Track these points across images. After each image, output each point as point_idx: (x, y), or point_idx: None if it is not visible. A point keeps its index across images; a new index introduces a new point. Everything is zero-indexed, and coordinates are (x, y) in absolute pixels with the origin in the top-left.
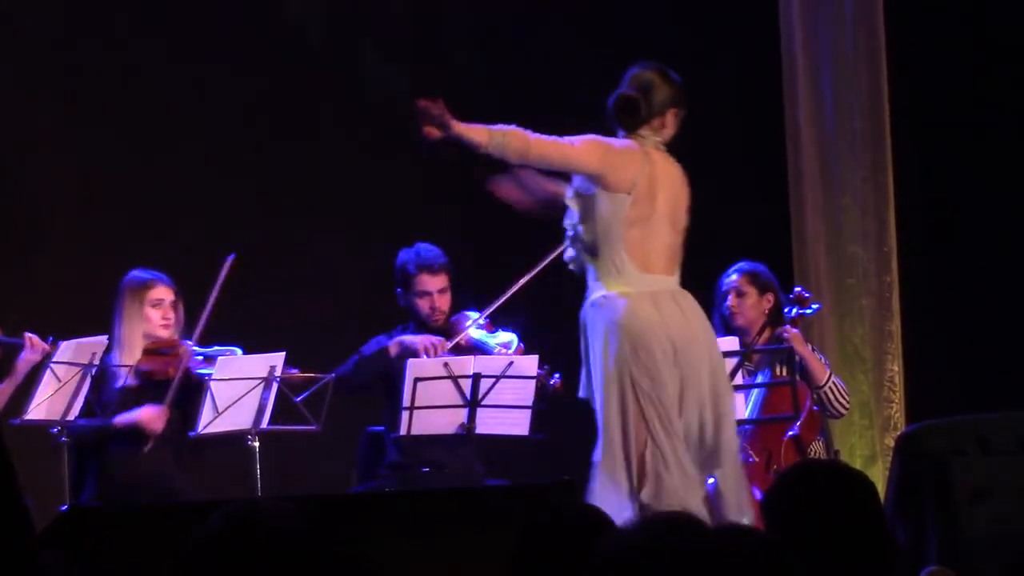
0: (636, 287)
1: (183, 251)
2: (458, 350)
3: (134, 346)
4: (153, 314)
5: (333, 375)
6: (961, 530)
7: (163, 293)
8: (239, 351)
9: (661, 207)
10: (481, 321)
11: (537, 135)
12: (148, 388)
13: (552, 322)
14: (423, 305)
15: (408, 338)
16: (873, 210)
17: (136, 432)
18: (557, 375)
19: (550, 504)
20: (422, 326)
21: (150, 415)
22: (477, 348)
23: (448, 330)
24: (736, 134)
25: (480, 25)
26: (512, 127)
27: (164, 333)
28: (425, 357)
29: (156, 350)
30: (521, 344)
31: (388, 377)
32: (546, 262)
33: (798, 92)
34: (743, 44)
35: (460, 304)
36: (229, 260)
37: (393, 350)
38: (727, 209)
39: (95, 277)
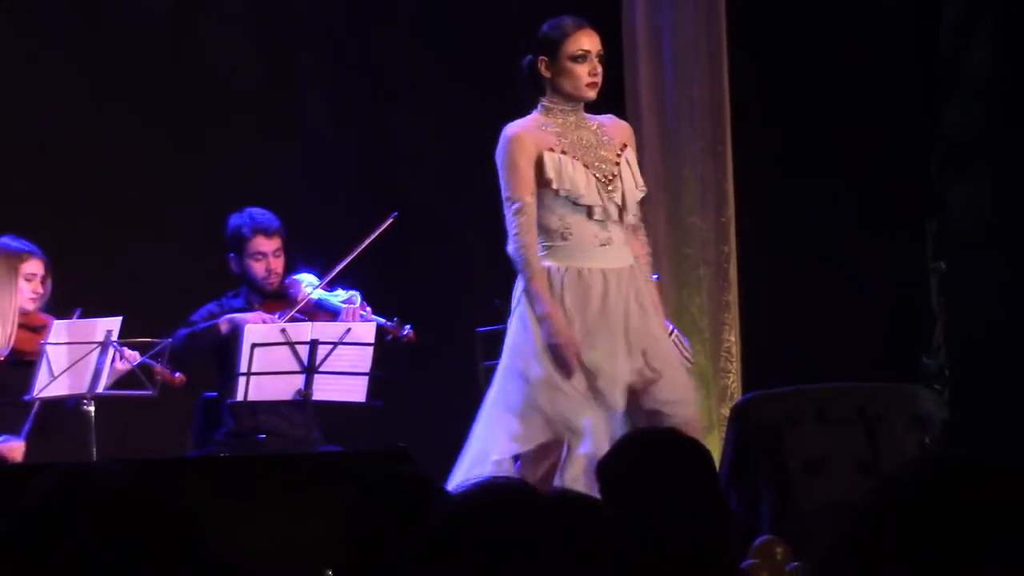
0: None
1: None
2: (303, 315)
3: (6, 314)
4: (25, 287)
5: (170, 340)
6: (795, 500)
7: (36, 267)
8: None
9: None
10: (317, 284)
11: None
12: (19, 366)
13: (392, 283)
14: (258, 268)
15: (239, 316)
16: (712, 180)
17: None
18: (408, 326)
19: (383, 470)
20: (256, 291)
21: (11, 448)
22: (322, 308)
23: (282, 293)
24: None
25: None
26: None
27: (31, 307)
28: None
29: (28, 326)
30: (364, 303)
31: (220, 347)
32: (376, 235)
33: (638, 62)
34: (584, 14)
35: (290, 268)
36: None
37: (223, 327)
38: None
39: None
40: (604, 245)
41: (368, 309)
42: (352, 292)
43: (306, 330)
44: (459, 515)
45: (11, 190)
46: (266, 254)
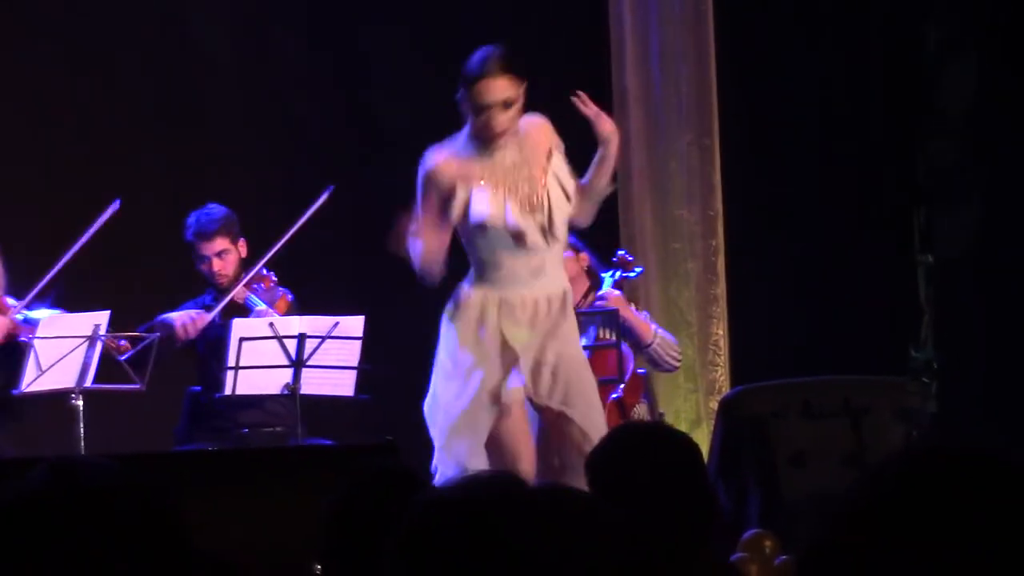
0: None
1: None
2: (234, 310)
3: None
4: None
5: (157, 335)
6: (781, 493)
7: None
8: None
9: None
10: (245, 279)
11: None
12: None
13: (355, 269)
14: (204, 269)
15: (168, 316)
16: (699, 174)
17: None
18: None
19: (370, 464)
20: (216, 289)
21: None
22: (245, 307)
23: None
24: (562, 96)
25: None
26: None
27: None
28: (182, 335)
29: None
30: (290, 295)
31: (187, 344)
32: (311, 211)
33: (625, 55)
34: (570, 6)
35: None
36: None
37: (157, 329)
38: None
39: None
40: (536, 273)
41: (280, 309)
42: (283, 290)
43: (294, 324)
44: (444, 508)
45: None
46: (207, 256)
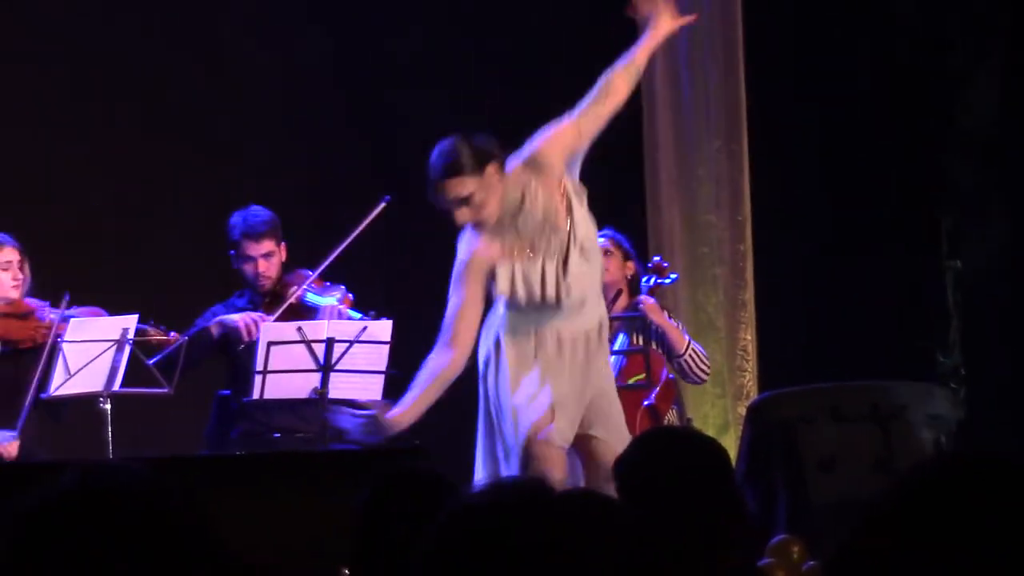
0: None
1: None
2: (292, 313)
3: None
4: (4, 277)
5: (185, 337)
6: (809, 498)
7: (10, 254)
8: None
9: None
10: (306, 286)
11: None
12: (15, 356)
13: (383, 273)
14: (248, 270)
15: (229, 317)
16: (728, 179)
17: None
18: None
19: (398, 467)
20: (255, 291)
21: (4, 446)
22: (305, 306)
23: (280, 293)
24: None
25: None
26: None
27: (15, 294)
28: (246, 336)
29: (15, 314)
30: (350, 295)
31: (223, 348)
32: (368, 221)
33: (654, 60)
34: (599, 12)
35: (299, 263)
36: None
37: (215, 331)
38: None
39: None
40: (578, 309)
41: (347, 304)
42: (337, 291)
43: (322, 328)
44: (473, 513)
45: (23, 181)
46: (254, 257)
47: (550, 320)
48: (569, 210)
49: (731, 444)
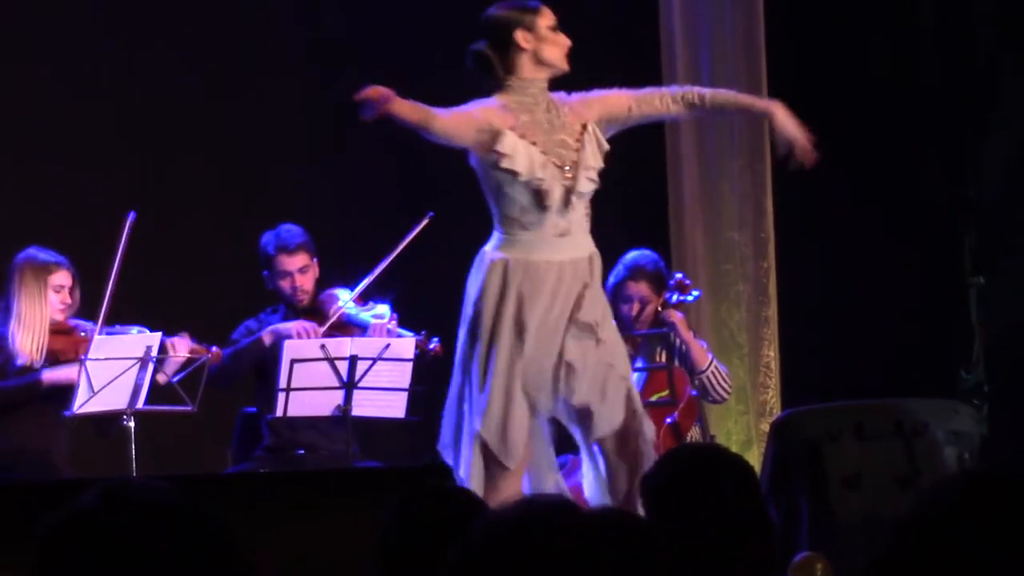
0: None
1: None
2: (334, 329)
3: (35, 326)
4: (54, 298)
5: (208, 355)
6: (833, 515)
7: (64, 278)
8: (145, 330)
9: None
10: (349, 297)
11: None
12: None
13: (425, 291)
14: (285, 286)
15: (282, 325)
16: (751, 197)
17: (60, 392)
18: (436, 339)
19: (422, 486)
20: (291, 308)
21: None
22: (352, 324)
23: (316, 308)
24: None
25: None
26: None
27: (61, 317)
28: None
29: (60, 331)
30: (395, 314)
31: (260, 361)
32: (412, 236)
33: (677, 76)
34: (621, 26)
35: (330, 282)
36: (130, 219)
37: (267, 339)
38: (604, 192)
39: None
40: (563, 235)
41: (394, 322)
42: (383, 305)
43: (345, 346)
44: (500, 530)
45: (48, 200)
46: (291, 272)
47: (536, 248)
48: (582, 140)
49: (754, 461)
